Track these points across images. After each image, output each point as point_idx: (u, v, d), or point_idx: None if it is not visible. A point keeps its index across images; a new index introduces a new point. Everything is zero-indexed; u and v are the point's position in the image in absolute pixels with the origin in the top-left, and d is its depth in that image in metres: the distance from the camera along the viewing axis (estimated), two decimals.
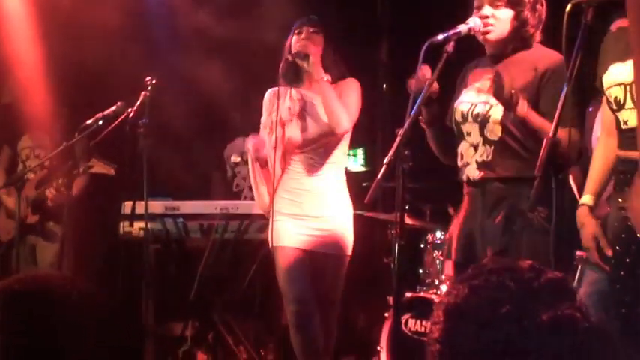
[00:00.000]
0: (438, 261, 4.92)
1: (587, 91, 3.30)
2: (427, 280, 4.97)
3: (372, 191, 3.03)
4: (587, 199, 3.04)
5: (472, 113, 3.27)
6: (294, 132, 4.09)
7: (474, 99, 3.28)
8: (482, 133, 3.24)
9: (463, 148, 3.32)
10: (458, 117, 3.33)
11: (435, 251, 4.96)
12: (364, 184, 4.58)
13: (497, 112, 3.17)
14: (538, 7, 3.25)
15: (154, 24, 5.70)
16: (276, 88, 4.19)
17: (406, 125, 3.00)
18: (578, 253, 3.73)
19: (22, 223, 5.11)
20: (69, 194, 4.98)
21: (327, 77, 3.99)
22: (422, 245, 5.10)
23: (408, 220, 5.08)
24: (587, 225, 2.99)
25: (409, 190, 5.03)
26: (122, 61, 5.37)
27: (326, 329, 4.08)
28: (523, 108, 3.01)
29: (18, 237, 5.02)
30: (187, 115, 5.67)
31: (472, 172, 3.28)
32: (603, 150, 3.06)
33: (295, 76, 4.09)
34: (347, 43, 4.98)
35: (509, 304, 1.38)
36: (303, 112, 4.09)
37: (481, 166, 3.24)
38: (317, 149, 4.07)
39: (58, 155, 4.76)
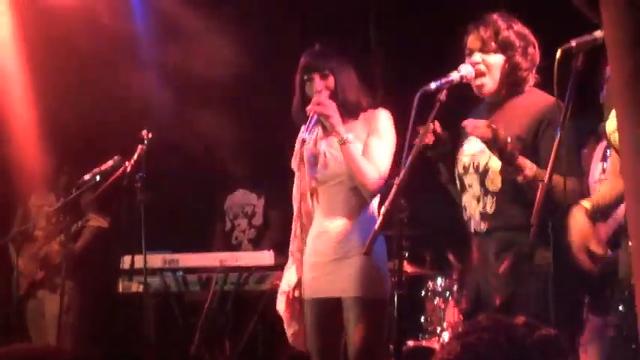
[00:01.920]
0: (439, 309, 4.89)
1: (582, 136, 3.29)
2: (429, 328, 4.94)
3: (369, 242, 3.02)
4: (585, 202, 2.97)
5: (473, 164, 3.24)
6: (321, 170, 3.82)
7: (474, 150, 3.26)
8: (482, 184, 3.20)
9: (466, 200, 3.29)
10: (460, 169, 3.31)
11: (437, 298, 4.94)
12: None
13: (496, 162, 3.13)
14: (530, 50, 3.22)
15: (148, 76, 5.73)
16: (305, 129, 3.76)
17: (402, 174, 3.00)
18: None
19: (32, 279, 5.26)
20: (72, 248, 5.04)
21: (348, 137, 3.66)
22: (423, 293, 5.08)
23: (408, 268, 5.12)
24: (579, 221, 2.92)
25: (409, 238, 5.09)
26: (119, 114, 5.41)
27: None
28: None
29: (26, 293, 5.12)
30: (186, 166, 5.69)
31: (477, 224, 3.24)
32: (614, 184, 2.99)
33: (317, 124, 3.78)
34: None
35: None
36: (327, 152, 3.79)
37: (485, 217, 3.20)
38: (337, 194, 3.77)
39: (62, 211, 4.79)
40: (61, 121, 5.37)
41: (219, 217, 5.78)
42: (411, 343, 4.80)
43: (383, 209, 2.99)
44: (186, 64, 5.46)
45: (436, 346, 4.67)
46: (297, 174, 3.93)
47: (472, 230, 3.29)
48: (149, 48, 5.83)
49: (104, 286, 5.34)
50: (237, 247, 5.65)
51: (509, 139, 3.00)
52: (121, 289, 5.03)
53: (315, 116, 3.64)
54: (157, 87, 5.70)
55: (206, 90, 5.54)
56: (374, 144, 3.69)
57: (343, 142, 3.64)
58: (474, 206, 3.24)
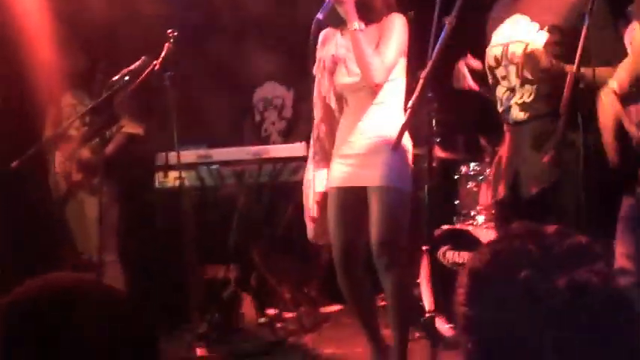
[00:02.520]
0: (473, 192, 4.92)
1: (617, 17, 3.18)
2: (463, 212, 4.99)
3: (398, 136, 3.02)
4: (612, 83, 2.89)
5: (506, 55, 3.17)
6: (341, 77, 3.94)
7: (505, 39, 3.19)
8: (520, 75, 3.13)
9: (500, 92, 3.24)
10: (491, 62, 3.25)
11: (470, 182, 4.97)
12: None
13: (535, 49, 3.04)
14: None
15: None
16: (325, 31, 4.00)
17: (428, 67, 2.97)
18: None
19: (69, 180, 5.28)
20: (102, 152, 5.07)
21: (359, 26, 3.75)
22: (456, 177, 5.10)
23: (440, 153, 5.13)
24: (608, 103, 2.85)
25: (440, 123, 5.08)
26: (148, 14, 5.37)
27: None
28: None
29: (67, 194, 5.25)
30: (213, 64, 5.67)
31: (516, 115, 3.20)
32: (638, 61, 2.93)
33: (338, 19, 3.87)
34: None
35: (528, 269, 1.39)
36: (347, 58, 3.90)
37: (524, 107, 3.16)
38: (363, 93, 3.88)
39: (95, 112, 4.81)
40: (92, 19, 5.33)
41: (247, 111, 5.80)
42: (445, 227, 4.84)
43: (410, 103, 2.98)
44: None
45: (470, 229, 4.72)
46: (317, 78, 3.99)
47: (509, 121, 3.25)
48: None
49: (140, 183, 5.42)
50: (266, 140, 5.69)
51: (552, 61, 2.92)
52: (157, 185, 5.15)
53: (331, 1, 3.70)
54: None
55: None
56: (382, 41, 3.79)
57: (352, 30, 3.73)
58: (509, 97, 3.19)
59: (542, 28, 3.10)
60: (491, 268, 1.46)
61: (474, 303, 1.49)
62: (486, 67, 3.30)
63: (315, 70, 4.02)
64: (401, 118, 3.86)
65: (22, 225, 5.51)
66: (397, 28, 3.82)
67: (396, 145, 2.99)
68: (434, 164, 4.96)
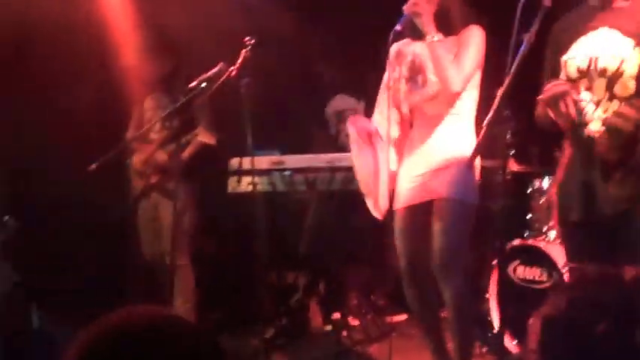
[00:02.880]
0: (545, 207, 4.86)
1: None
2: (535, 226, 4.93)
3: (475, 150, 2.99)
4: None
5: (595, 67, 3.09)
6: (418, 87, 3.98)
7: (593, 52, 3.10)
8: (609, 89, 3.06)
9: (582, 103, 3.12)
10: (572, 72, 3.15)
11: (542, 198, 4.90)
12: None
13: (631, 66, 3.01)
14: None
15: None
16: (402, 42, 4.04)
17: (506, 84, 2.95)
18: None
19: (147, 181, 5.37)
20: (178, 157, 5.14)
21: (437, 36, 3.82)
22: (529, 190, 5.04)
23: (514, 166, 5.07)
24: None
25: (515, 133, 5.02)
26: (221, 22, 5.44)
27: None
28: None
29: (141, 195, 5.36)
30: (287, 73, 5.70)
31: (593, 127, 3.10)
32: None
33: (416, 31, 3.93)
34: None
35: (607, 322, 1.35)
36: (425, 68, 3.95)
37: (604, 121, 3.05)
38: (439, 103, 3.92)
39: (174, 116, 4.88)
40: (175, 25, 5.43)
41: (318, 125, 5.82)
42: (516, 242, 4.79)
43: (486, 121, 2.96)
44: None
45: (541, 245, 4.65)
46: (387, 71, 4.03)
47: (586, 135, 3.14)
48: None
49: (214, 188, 5.48)
50: (342, 151, 5.69)
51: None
52: (230, 190, 5.20)
53: (409, 14, 3.77)
54: None
55: None
56: (460, 51, 3.84)
57: (430, 41, 3.79)
58: (591, 110, 3.10)
59: (638, 44, 3.01)
60: (566, 318, 1.42)
61: (546, 352, 1.46)
62: (565, 77, 3.20)
63: (386, 81, 4.04)
64: (473, 132, 3.93)
65: (95, 226, 5.61)
66: (475, 40, 3.85)
67: (471, 163, 2.96)
68: (508, 177, 4.92)
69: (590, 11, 3.20)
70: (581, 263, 3.23)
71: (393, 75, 4.03)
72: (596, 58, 3.09)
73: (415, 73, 3.99)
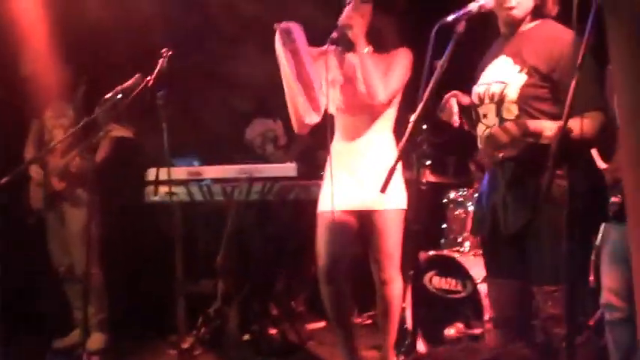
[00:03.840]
0: (460, 218, 4.95)
1: (603, 63, 3.19)
2: (450, 237, 5.01)
3: (385, 181, 3.03)
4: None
5: (488, 94, 3.20)
6: (341, 96, 4.15)
7: (488, 79, 3.22)
8: (498, 114, 3.17)
9: (480, 130, 3.26)
10: (475, 100, 3.27)
11: (458, 209, 4.98)
12: None
13: (512, 91, 3.10)
14: None
15: None
16: (338, 49, 4.19)
17: (418, 111, 3.00)
18: (613, 199, 3.67)
19: (51, 191, 5.25)
20: (92, 160, 5.05)
21: (368, 49, 4.02)
22: (445, 200, 5.12)
23: (430, 177, 5.15)
24: None
25: (432, 144, 5.10)
26: (137, 28, 5.36)
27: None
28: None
29: (46, 205, 5.18)
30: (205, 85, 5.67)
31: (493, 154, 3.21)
32: None
33: (346, 43, 4.10)
34: None
35: None
36: (351, 79, 4.12)
37: (501, 147, 3.14)
38: (362, 115, 4.13)
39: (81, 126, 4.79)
40: (76, 32, 5.32)
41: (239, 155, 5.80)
42: (432, 252, 4.86)
43: (399, 146, 3.00)
44: None
45: (456, 255, 4.74)
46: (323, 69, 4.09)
47: (488, 159, 3.30)
48: None
49: (129, 197, 5.42)
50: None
51: (528, 126, 2.99)
52: (147, 199, 5.15)
53: (341, 27, 3.98)
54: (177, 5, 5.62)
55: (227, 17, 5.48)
56: (390, 69, 4.06)
57: (362, 53, 3.98)
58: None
59: (521, 70, 3.11)
60: None
61: None
62: (472, 106, 3.32)
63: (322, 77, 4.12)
64: (392, 150, 4.08)
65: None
66: (404, 61, 4.09)
67: (384, 189, 3.00)
68: (423, 187, 5.00)
69: (501, 39, 3.30)
70: (496, 278, 3.33)
71: (328, 75, 4.12)
72: (490, 85, 3.20)
73: (347, 81, 4.14)
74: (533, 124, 3.01)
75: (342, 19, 4.00)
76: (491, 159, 3.27)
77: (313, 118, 4.04)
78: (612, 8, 1.71)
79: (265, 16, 5.15)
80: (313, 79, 4.00)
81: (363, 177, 4.09)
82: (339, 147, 4.15)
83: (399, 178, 4.13)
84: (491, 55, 3.31)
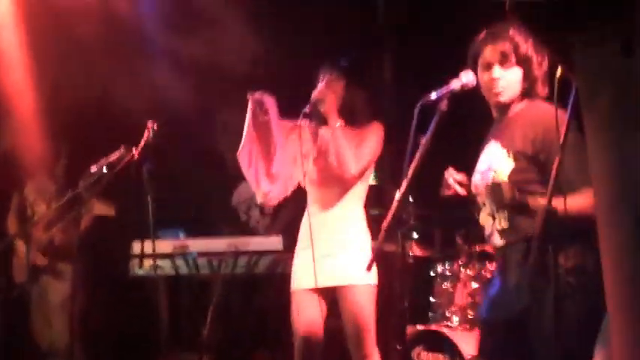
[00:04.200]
0: (448, 292, 4.91)
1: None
2: (439, 311, 4.96)
3: (372, 258, 3.01)
4: None
5: (483, 183, 3.19)
6: (313, 169, 4.16)
7: (483, 167, 3.22)
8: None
9: (483, 218, 3.23)
10: (473, 189, 3.27)
11: (445, 282, 4.95)
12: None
13: (501, 177, 3.09)
14: (544, 62, 3.16)
15: (155, 64, 5.67)
16: (312, 123, 4.24)
17: (403, 188, 2.99)
18: None
19: (34, 265, 5.22)
20: (75, 234, 5.05)
21: (340, 123, 4.04)
22: (432, 274, 5.09)
23: (416, 250, 5.13)
24: None
25: (418, 217, 5.09)
26: (122, 101, 5.39)
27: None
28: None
29: (29, 279, 5.12)
30: (190, 156, 5.68)
31: (497, 241, 3.19)
32: None
33: (319, 117, 4.15)
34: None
35: None
36: (323, 152, 4.14)
37: (502, 233, 3.15)
38: (333, 188, 4.13)
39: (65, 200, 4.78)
40: (60, 107, 5.34)
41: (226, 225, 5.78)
42: (420, 327, 4.81)
43: (384, 223, 2.98)
44: (195, 54, 5.43)
45: (445, 330, 4.68)
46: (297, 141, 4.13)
47: (493, 247, 3.26)
48: (156, 34, 5.72)
49: (113, 271, 5.38)
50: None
51: (515, 195, 2.97)
52: (131, 272, 5.11)
53: (315, 98, 4.01)
54: (163, 76, 5.65)
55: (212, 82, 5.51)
56: (362, 143, 4.09)
57: (335, 127, 4.01)
58: (491, 223, 3.18)
59: (508, 156, 3.11)
60: None
61: None
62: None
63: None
64: (365, 220, 4.15)
65: None
66: (375, 135, 4.12)
67: (370, 267, 2.98)
68: (410, 261, 4.97)
69: (493, 123, 3.31)
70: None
71: (302, 149, 4.12)
72: (484, 173, 3.20)
73: (320, 154, 4.15)
74: (532, 201, 2.98)
75: (315, 94, 4.04)
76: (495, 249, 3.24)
77: (268, 188, 4.10)
78: (588, 100, 1.70)
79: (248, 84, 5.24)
80: (279, 151, 4.05)
81: (334, 252, 4.07)
82: (311, 220, 4.13)
83: (368, 254, 4.07)
84: (486, 139, 3.30)
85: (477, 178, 3.25)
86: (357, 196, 4.17)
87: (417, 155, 3.02)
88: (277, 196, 4.19)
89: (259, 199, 4.21)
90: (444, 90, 3.08)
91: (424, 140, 3.04)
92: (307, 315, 4.13)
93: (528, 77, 3.16)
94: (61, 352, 5.00)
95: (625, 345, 1.85)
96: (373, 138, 4.11)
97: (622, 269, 1.75)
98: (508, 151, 3.10)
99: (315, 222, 4.13)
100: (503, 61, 3.15)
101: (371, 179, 6.73)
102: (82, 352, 5.20)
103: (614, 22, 1.51)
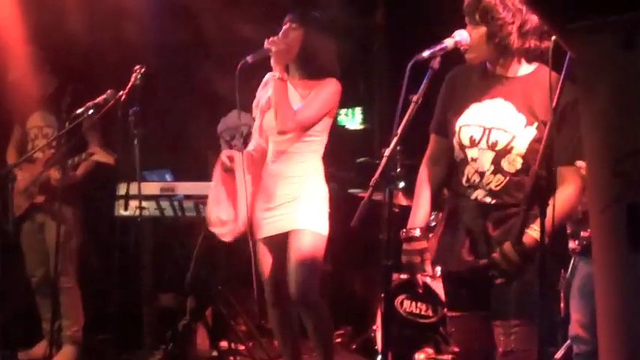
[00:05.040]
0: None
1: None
2: None
3: (359, 213, 3.00)
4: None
5: (487, 140, 3.11)
6: (269, 120, 4.18)
7: (486, 123, 3.12)
8: (496, 162, 3.09)
9: (469, 171, 3.18)
10: (464, 140, 3.16)
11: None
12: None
13: (521, 144, 3.04)
14: (521, 19, 3.02)
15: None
16: (270, 74, 4.22)
17: (392, 144, 2.96)
18: (571, 245, 3.74)
19: (32, 201, 5.27)
20: (73, 176, 5.05)
21: (279, 75, 4.04)
22: None
23: (402, 200, 5.13)
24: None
25: (405, 166, 5.09)
26: (117, 39, 5.34)
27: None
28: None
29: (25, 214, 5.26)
30: (180, 93, 5.63)
31: (481, 197, 3.15)
32: None
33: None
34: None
35: None
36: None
37: (491, 194, 3.12)
38: (285, 139, 4.16)
39: (64, 136, 4.75)
40: (62, 44, 5.29)
41: (211, 147, 5.76)
42: (404, 276, 4.85)
43: (372, 180, 2.96)
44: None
45: (428, 280, 4.72)
46: (258, 96, 4.30)
47: (469, 196, 3.19)
48: None
49: (101, 212, 5.39)
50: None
51: (527, 250, 2.96)
52: (116, 213, 5.12)
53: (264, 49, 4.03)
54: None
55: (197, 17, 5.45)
56: (308, 98, 4.11)
57: (275, 78, 4.04)
58: (478, 180, 3.14)
59: (530, 123, 3.04)
60: None
61: None
62: (455, 142, 3.21)
63: (254, 109, 4.32)
64: (322, 169, 4.24)
65: None
66: (327, 90, 4.13)
67: (357, 222, 2.97)
68: (396, 210, 4.97)
69: (486, 76, 3.19)
70: (457, 312, 3.32)
71: (261, 102, 4.25)
72: (490, 130, 3.11)
73: (271, 106, 4.19)
74: (529, 243, 2.96)
75: (266, 43, 4.03)
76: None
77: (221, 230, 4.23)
78: (587, 90, 1.68)
79: (241, 32, 5.18)
80: (237, 199, 4.16)
81: (282, 202, 4.15)
82: (268, 169, 4.23)
83: (323, 206, 4.18)
84: (477, 91, 3.19)
85: (472, 131, 3.14)
86: (311, 149, 4.19)
87: (407, 113, 2.98)
88: (231, 234, 4.25)
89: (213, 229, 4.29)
90: (436, 48, 3.02)
91: (415, 99, 3.00)
92: (265, 262, 4.25)
93: (495, 35, 3.05)
94: (54, 290, 5.02)
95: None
96: (324, 93, 4.11)
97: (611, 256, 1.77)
98: (529, 118, 3.03)
99: (270, 171, 4.20)
100: (470, 18, 3.09)
101: (359, 123, 6.81)
102: (77, 291, 5.26)
103: (617, 14, 1.49)
